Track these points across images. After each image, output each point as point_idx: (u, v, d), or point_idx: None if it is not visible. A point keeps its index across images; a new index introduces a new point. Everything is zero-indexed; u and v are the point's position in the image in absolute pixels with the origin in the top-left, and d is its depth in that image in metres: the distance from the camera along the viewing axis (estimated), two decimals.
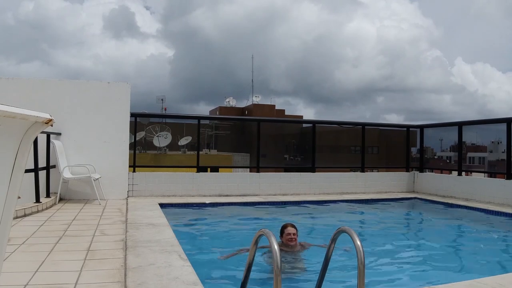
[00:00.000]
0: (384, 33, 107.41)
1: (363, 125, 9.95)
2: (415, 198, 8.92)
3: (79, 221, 5.27)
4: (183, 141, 13.83)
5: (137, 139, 9.50)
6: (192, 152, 12.78)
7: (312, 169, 9.23)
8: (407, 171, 9.97)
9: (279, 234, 4.42)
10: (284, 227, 4.45)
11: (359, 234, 2.49)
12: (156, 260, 3.42)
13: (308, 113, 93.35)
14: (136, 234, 4.44)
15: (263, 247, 3.95)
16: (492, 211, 7.08)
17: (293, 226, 4.44)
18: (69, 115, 7.22)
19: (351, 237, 2.48)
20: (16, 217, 5.22)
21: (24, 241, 4.04)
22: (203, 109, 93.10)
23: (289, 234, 4.35)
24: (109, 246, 3.93)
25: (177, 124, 13.61)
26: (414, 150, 10.81)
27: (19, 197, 1.31)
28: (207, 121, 15.27)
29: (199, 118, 9.22)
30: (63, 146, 7.09)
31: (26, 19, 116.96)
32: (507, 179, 7.67)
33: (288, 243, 4.34)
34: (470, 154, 14.47)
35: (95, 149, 7.34)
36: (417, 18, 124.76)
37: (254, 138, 9.11)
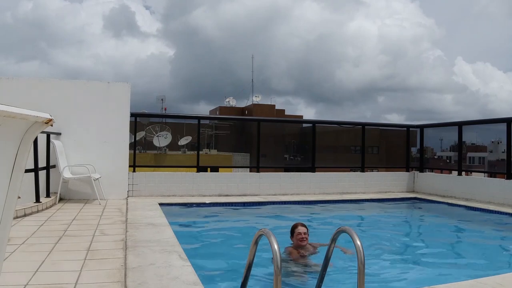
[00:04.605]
0: (386, 32, 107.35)
1: (363, 125, 9.96)
2: (415, 198, 8.92)
3: (79, 221, 5.27)
4: (183, 141, 13.84)
5: (137, 139, 9.50)
6: (192, 152, 12.80)
7: (312, 169, 9.23)
8: (407, 171, 9.97)
9: (288, 236, 4.33)
10: (294, 227, 4.27)
11: (359, 234, 2.49)
12: (156, 260, 3.42)
13: (309, 113, 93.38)
14: (136, 234, 4.44)
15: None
16: (492, 211, 7.08)
17: (304, 225, 4.29)
18: (68, 115, 7.21)
19: (351, 237, 2.48)
20: (16, 217, 5.21)
21: (24, 241, 4.04)
22: (203, 109, 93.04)
23: (300, 233, 4.19)
24: (109, 246, 3.93)
25: (177, 124, 13.62)
26: (414, 150, 10.82)
27: (19, 197, 1.31)
28: (207, 121, 15.29)
29: (199, 118, 9.22)
30: (63, 146, 7.09)
31: (25, 18, 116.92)
32: (507, 179, 7.67)
33: (299, 244, 4.19)
34: (470, 154, 14.46)
35: (95, 149, 7.33)
36: (418, 17, 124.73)
37: (254, 138, 9.11)
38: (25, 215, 5.41)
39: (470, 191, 8.30)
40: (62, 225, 4.91)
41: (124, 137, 7.61)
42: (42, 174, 6.37)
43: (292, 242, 4.31)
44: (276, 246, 2.27)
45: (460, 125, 9.02)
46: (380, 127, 11.60)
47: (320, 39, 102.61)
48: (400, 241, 5.88)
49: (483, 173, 11.61)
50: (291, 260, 4.17)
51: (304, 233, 4.22)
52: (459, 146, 9.27)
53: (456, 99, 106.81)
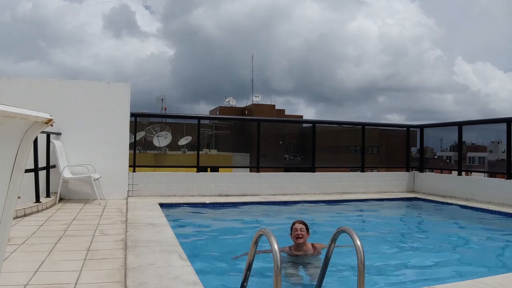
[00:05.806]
0: (386, 32, 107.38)
1: (363, 125, 9.96)
2: (415, 198, 8.92)
3: (79, 221, 5.27)
4: (183, 141, 13.86)
5: (137, 139, 9.51)
6: (192, 152, 12.81)
7: (312, 169, 9.23)
8: (407, 171, 9.97)
9: (282, 235, 4.33)
10: (292, 224, 4.28)
11: (359, 234, 2.49)
12: (156, 260, 3.42)
13: (309, 113, 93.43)
14: (136, 234, 4.44)
15: (266, 252, 3.83)
16: (492, 211, 7.08)
17: (301, 223, 4.26)
18: (69, 115, 7.21)
19: (351, 237, 2.48)
20: (16, 217, 5.21)
21: (24, 241, 4.04)
22: (203, 109, 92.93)
23: (296, 229, 4.16)
24: (109, 246, 3.93)
25: (177, 124, 13.64)
26: (414, 150, 10.82)
27: (19, 197, 1.31)
28: (207, 121, 15.30)
29: (199, 118, 9.22)
30: (63, 146, 7.09)
31: (24, 17, 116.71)
32: (507, 179, 7.67)
33: (295, 241, 4.18)
34: (470, 154, 14.46)
35: (95, 149, 7.34)
36: (419, 17, 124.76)
37: (254, 138, 9.11)
38: (25, 215, 5.41)
39: (470, 191, 8.30)
40: (62, 225, 4.91)
41: (124, 137, 7.61)
42: (42, 174, 6.37)
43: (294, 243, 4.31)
44: (276, 246, 2.27)
45: (460, 125, 9.02)
46: (380, 127, 11.60)
47: (321, 39, 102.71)
48: (400, 241, 5.88)
49: (483, 173, 11.61)
50: (289, 259, 4.17)
51: (301, 229, 4.18)
52: (459, 146, 9.27)
53: (456, 99, 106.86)
